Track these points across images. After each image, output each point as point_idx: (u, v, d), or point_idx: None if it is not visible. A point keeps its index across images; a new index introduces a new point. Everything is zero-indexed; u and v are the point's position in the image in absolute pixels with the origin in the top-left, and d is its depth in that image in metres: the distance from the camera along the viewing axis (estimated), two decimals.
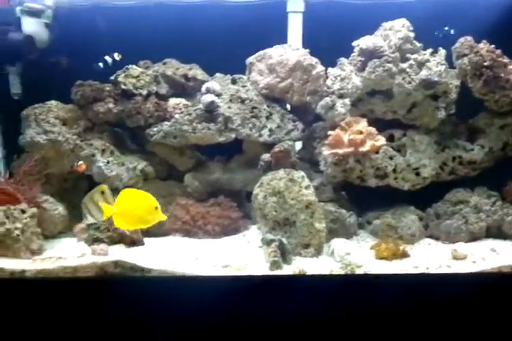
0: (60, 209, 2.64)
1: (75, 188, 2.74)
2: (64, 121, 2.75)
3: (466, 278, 2.21)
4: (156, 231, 2.71)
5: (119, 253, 2.41)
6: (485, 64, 2.63)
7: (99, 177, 2.70)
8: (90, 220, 2.24)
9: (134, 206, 2.05)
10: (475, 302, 2.14)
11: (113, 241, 2.51)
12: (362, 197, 2.85)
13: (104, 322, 2.09)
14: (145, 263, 2.21)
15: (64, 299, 2.10)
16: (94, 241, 2.48)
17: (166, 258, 2.33)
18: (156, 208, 2.05)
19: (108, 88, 2.79)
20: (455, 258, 2.35)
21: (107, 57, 2.84)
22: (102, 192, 2.21)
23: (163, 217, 2.09)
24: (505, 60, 2.71)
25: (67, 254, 2.34)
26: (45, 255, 2.38)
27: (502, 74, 2.65)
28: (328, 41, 3.14)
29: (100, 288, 2.14)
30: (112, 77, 2.82)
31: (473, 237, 2.62)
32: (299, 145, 3.00)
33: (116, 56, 2.84)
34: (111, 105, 2.75)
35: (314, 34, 3.11)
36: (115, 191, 2.73)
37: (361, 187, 2.73)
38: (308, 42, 3.09)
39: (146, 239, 2.60)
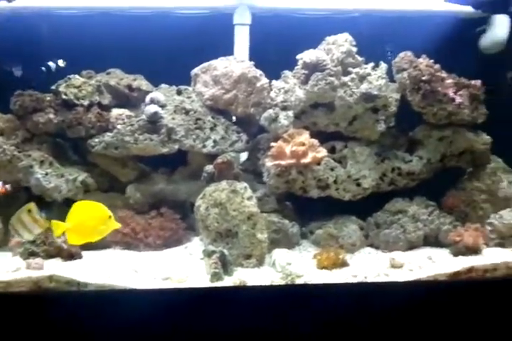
0: None
1: (13, 201, 2.67)
2: (1, 132, 2.69)
3: (402, 287, 2.25)
4: (96, 244, 2.67)
5: (55, 267, 2.35)
6: (423, 78, 2.71)
7: (37, 189, 2.64)
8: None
9: (87, 218, 2.02)
10: (411, 310, 2.18)
11: (49, 255, 2.46)
12: (305, 208, 2.89)
13: (38, 339, 2.03)
14: (82, 277, 2.17)
15: None
16: (29, 255, 2.42)
17: (105, 271, 2.29)
18: (110, 217, 2.04)
19: (49, 98, 2.74)
20: (393, 266, 2.40)
21: (50, 64, 2.80)
22: (29, 211, 2.16)
23: (117, 225, 2.07)
24: (443, 74, 2.80)
25: (1, 269, 2.27)
26: None
27: (439, 89, 2.73)
28: (274, 54, 3.19)
29: (34, 304, 2.09)
30: (53, 87, 2.78)
31: (411, 246, 2.68)
32: (245, 156, 3.02)
33: (60, 63, 2.79)
34: (51, 115, 2.71)
35: (260, 47, 3.15)
36: (54, 203, 2.72)
37: (305, 197, 2.77)
38: (254, 54, 3.12)
39: (84, 253, 2.54)
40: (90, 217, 2.04)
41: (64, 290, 2.13)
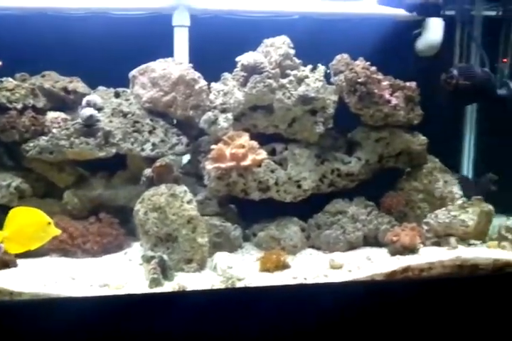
0: None
1: None
2: None
3: (340, 287, 2.28)
4: (32, 251, 2.60)
5: None
6: (359, 80, 2.75)
7: None
8: None
9: (25, 225, 1.95)
10: (350, 311, 2.21)
11: None
12: (249, 210, 2.88)
13: None
14: (15, 286, 2.10)
15: None
16: None
17: (40, 280, 2.23)
18: (49, 223, 1.98)
19: None
20: (332, 267, 2.43)
21: None
22: None
23: (57, 232, 2.01)
24: (380, 76, 2.85)
25: None
26: None
27: (376, 90, 2.78)
28: (214, 56, 3.17)
29: None
30: None
31: (351, 246, 2.72)
32: (187, 159, 3.00)
33: None
34: None
35: (200, 48, 3.13)
36: None
37: (247, 200, 2.77)
38: (194, 56, 3.10)
39: (20, 261, 2.46)
40: (28, 223, 1.97)
41: None
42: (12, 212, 1.98)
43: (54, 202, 2.76)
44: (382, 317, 2.21)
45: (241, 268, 2.41)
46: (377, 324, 2.22)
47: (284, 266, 2.46)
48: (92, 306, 2.09)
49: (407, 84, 2.91)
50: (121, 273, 2.35)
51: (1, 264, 2.39)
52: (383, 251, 2.64)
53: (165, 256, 2.32)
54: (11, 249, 1.99)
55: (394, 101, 2.81)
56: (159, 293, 2.18)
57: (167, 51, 3.09)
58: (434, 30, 3.22)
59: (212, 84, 2.85)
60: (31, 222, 1.98)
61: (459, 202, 2.71)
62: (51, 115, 2.77)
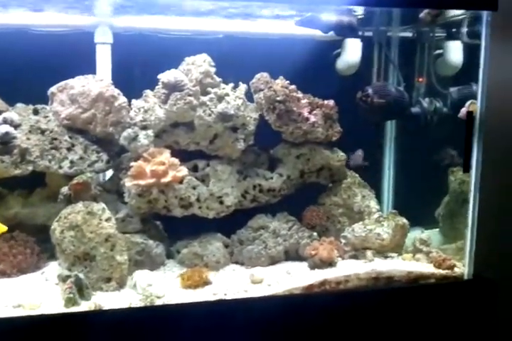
0: None
1: None
2: None
3: (259, 302, 2.30)
4: None
5: None
6: (277, 99, 2.81)
7: None
8: None
9: None
10: (269, 325, 2.24)
11: None
12: (173, 227, 2.88)
13: None
14: None
15: None
16: None
17: None
18: None
19: None
20: (253, 282, 2.45)
21: None
22: None
23: (3, 228, 1.96)
24: (299, 94, 2.93)
25: None
26: None
27: (294, 108, 2.85)
28: (137, 73, 3.17)
29: None
30: None
31: (273, 261, 2.76)
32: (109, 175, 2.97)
33: None
34: None
35: (123, 66, 3.12)
36: None
37: (172, 216, 2.76)
38: (117, 73, 3.08)
39: None
40: None
41: None
42: None
43: None
44: (300, 330, 2.25)
45: (161, 285, 2.40)
46: (296, 337, 2.25)
47: (206, 283, 2.47)
48: (6, 327, 2.04)
49: (325, 102, 2.99)
50: (37, 293, 2.30)
51: None
52: (303, 265, 2.68)
53: (81, 275, 2.29)
54: None
55: (312, 118, 2.88)
56: (73, 313, 2.14)
57: (90, 68, 3.06)
58: (352, 51, 3.33)
59: (133, 101, 2.84)
60: None
61: (375, 216, 2.80)
62: None
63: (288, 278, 2.48)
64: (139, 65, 3.17)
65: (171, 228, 2.91)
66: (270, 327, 2.22)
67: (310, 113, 2.91)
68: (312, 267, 2.60)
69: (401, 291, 2.45)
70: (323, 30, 3.11)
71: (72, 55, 3.05)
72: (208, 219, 2.80)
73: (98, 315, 2.17)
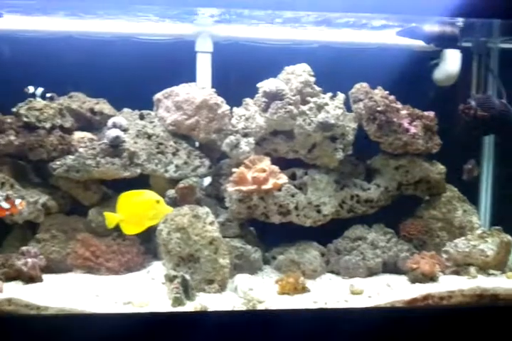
0: None
1: None
2: None
3: (361, 313, 2.29)
4: (57, 268, 2.64)
5: (14, 290, 2.31)
6: (378, 109, 2.81)
7: None
8: None
9: (136, 206, 2.03)
10: (370, 336, 2.22)
11: (9, 278, 2.41)
12: (268, 233, 2.92)
13: None
14: (42, 300, 2.13)
15: None
16: None
17: (65, 295, 2.26)
18: (158, 202, 2.04)
19: (9, 120, 2.71)
20: (352, 293, 2.44)
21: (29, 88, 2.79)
22: None
23: (169, 209, 2.07)
24: (398, 105, 2.91)
25: None
26: None
27: (395, 119, 2.83)
28: (236, 81, 3.25)
29: None
30: (14, 109, 2.75)
31: (371, 272, 2.74)
32: (208, 181, 3.04)
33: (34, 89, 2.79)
34: (12, 137, 2.67)
35: (222, 74, 3.20)
36: (15, 225, 2.67)
37: (268, 223, 2.80)
38: (216, 81, 3.17)
39: (45, 276, 2.51)
40: (139, 204, 2.04)
41: (23, 313, 2.08)
42: (122, 196, 2.08)
43: (79, 220, 2.80)
44: None
45: (261, 290, 2.42)
46: None
47: (304, 290, 2.48)
48: (116, 323, 2.12)
49: (426, 113, 2.96)
50: (144, 291, 2.38)
51: (27, 279, 2.42)
52: (402, 279, 2.65)
53: (187, 276, 2.35)
54: (129, 230, 2.09)
55: (413, 130, 2.86)
56: (182, 312, 2.20)
57: (189, 76, 3.16)
58: (451, 61, 3.29)
59: (234, 108, 2.91)
60: (141, 203, 2.05)
61: (479, 231, 2.73)
62: (78, 135, 2.83)
63: (389, 291, 2.46)
64: (237, 74, 3.25)
65: (264, 234, 2.95)
66: (374, 339, 2.20)
67: (410, 124, 2.88)
68: (413, 281, 2.57)
69: (508, 310, 2.37)
70: (425, 40, 3.08)
71: (172, 63, 3.17)
72: (302, 227, 2.82)
73: (204, 316, 2.22)
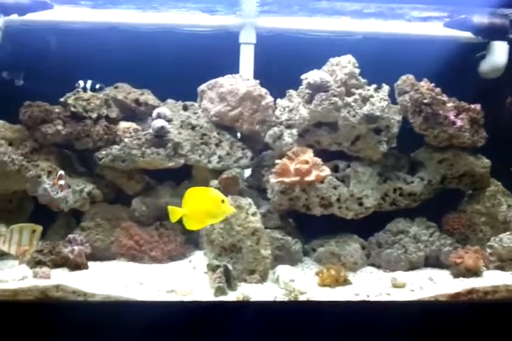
0: (3, 230, 2.57)
1: (20, 209, 2.69)
2: (10, 141, 2.71)
3: (404, 306, 2.28)
4: (101, 255, 2.69)
5: (61, 276, 2.37)
6: (424, 101, 2.77)
7: (44, 199, 2.65)
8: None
9: (201, 203, 2.05)
10: (412, 330, 2.21)
11: (56, 265, 2.48)
12: (308, 225, 2.92)
13: None
14: (88, 287, 2.18)
15: (2, 323, 2.05)
16: (36, 264, 2.43)
17: (110, 282, 2.31)
18: (223, 201, 2.06)
19: (57, 110, 2.77)
20: (394, 286, 2.42)
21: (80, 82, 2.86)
22: (34, 231, 2.30)
23: (231, 210, 2.09)
24: (444, 97, 2.86)
25: (8, 277, 2.27)
26: None
27: (440, 112, 2.79)
28: (278, 73, 3.24)
29: (41, 312, 2.10)
30: (62, 99, 2.81)
31: (413, 266, 2.72)
32: (249, 172, 3.05)
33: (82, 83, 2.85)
34: (59, 127, 2.73)
35: (265, 65, 3.21)
36: (60, 213, 2.73)
37: (307, 215, 2.80)
38: (259, 73, 3.17)
39: (90, 263, 2.57)
40: (204, 202, 2.05)
41: (70, 299, 2.14)
42: (189, 192, 2.09)
43: (122, 209, 2.86)
44: (446, 338, 2.20)
45: (302, 281, 2.43)
46: None
47: (345, 282, 2.47)
48: (160, 311, 2.15)
49: (472, 106, 2.91)
50: (187, 280, 2.41)
51: (74, 266, 2.48)
52: (445, 273, 2.62)
53: (230, 266, 2.37)
54: (190, 225, 2.09)
55: (459, 122, 2.81)
56: (225, 302, 2.22)
57: (232, 67, 3.17)
58: (499, 53, 3.22)
59: (278, 100, 2.91)
60: (206, 200, 2.06)
61: None
62: (123, 125, 2.87)
63: (431, 285, 2.43)
64: (280, 65, 3.24)
65: (303, 226, 2.95)
66: (416, 332, 2.19)
67: (456, 117, 2.83)
68: (456, 275, 2.53)
69: None
70: (473, 32, 3.02)
71: (215, 54, 3.19)
72: (341, 220, 2.81)
73: (247, 306, 2.24)
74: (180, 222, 2.79)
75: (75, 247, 2.52)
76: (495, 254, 2.62)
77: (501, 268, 2.61)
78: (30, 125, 2.75)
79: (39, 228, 2.35)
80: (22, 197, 2.77)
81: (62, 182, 2.44)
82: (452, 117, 2.82)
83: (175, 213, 2.08)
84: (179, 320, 2.15)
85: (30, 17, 2.88)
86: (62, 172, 2.48)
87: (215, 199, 2.07)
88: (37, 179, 2.64)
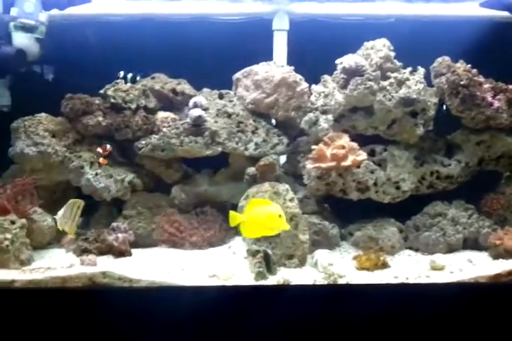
0: (48, 220, 2.67)
1: (64, 200, 2.75)
2: (53, 134, 2.80)
3: (444, 288, 2.29)
4: (143, 242, 2.77)
5: (107, 263, 2.45)
6: (461, 83, 2.74)
7: (88, 189, 2.74)
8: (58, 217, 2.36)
9: (260, 214, 2.13)
10: (454, 312, 2.22)
11: (101, 252, 2.56)
12: (344, 210, 2.94)
13: (93, 332, 2.13)
14: (133, 273, 2.26)
15: (53, 309, 2.14)
16: (82, 251, 2.52)
17: (154, 269, 2.38)
18: (280, 216, 2.12)
19: (97, 101, 2.84)
20: (433, 268, 2.43)
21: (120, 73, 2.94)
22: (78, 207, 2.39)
23: (286, 226, 2.15)
24: (481, 79, 2.83)
25: (56, 265, 2.37)
26: (34, 265, 2.42)
27: (478, 93, 2.76)
28: (312, 59, 3.25)
29: (89, 298, 2.19)
30: (102, 91, 2.88)
31: (451, 249, 2.72)
32: (284, 158, 3.08)
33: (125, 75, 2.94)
34: (100, 118, 2.81)
35: (298, 51, 3.22)
36: (102, 202, 2.82)
37: (343, 199, 2.82)
38: (292, 59, 3.19)
39: (133, 250, 2.65)
40: (263, 213, 2.13)
41: (117, 286, 2.22)
42: (251, 201, 2.21)
43: (162, 197, 2.92)
44: (488, 318, 2.21)
45: (340, 265, 2.46)
46: (483, 326, 2.22)
47: (384, 266, 2.49)
48: (204, 295, 2.22)
49: (510, 86, 2.86)
50: (228, 265, 2.47)
51: (118, 253, 2.57)
52: (484, 255, 2.62)
53: (269, 251, 2.41)
54: (246, 233, 2.19)
55: (496, 103, 2.78)
56: (267, 286, 2.27)
57: (266, 54, 3.19)
58: None
59: (313, 86, 2.93)
60: (265, 213, 2.14)
61: None
62: (161, 115, 2.93)
63: (471, 267, 2.44)
64: (313, 51, 3.24)
65: (339, 210, 2.97)
66: (456, 314, 2.20)
67: (493, 98, 2.80)
68: (495, 257, 2.53)
69: None
70: (510, 11, 2.97)
71: (248, 42, 3.22)
72: (377, 203, 2.82)
73: (288, 290, 2.28)
74: (219, 209, 2.89)
75: (119, 235, 2.60)
76: None
77: None
78: (72, 117, 2.83)
79: (81, 203, 2.43)
80: (65, 188, 2.87)
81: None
82: (489, 98, 2.79)
83: (234, 218, 2.16)
84: (222, 304, 2.20)
85: (68, 11, 2.94)
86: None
87: (272, 213, 2.12)
88: (80, 170, 2.73)
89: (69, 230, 2.39)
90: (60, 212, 2.36)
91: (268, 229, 2.15)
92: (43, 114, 2.85)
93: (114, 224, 2.68)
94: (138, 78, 2.93)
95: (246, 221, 2.14)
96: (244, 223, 2.14)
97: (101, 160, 2.67)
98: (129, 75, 2.92)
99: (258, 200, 2.20)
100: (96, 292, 2.21)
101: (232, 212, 2.19)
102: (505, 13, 3.07)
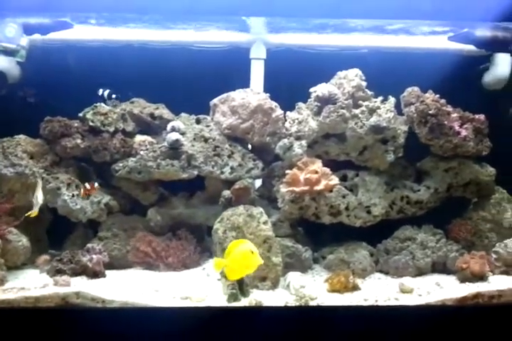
0: (23, 240, 2.68)
1: (39, 221, 2.79)
2: (31, 155, 2.83)
3: (412, 310, 2.34)
4: (118, 264, 2.79)
5: (81, 284, 2.46)
6: (430, 112, 2.85)
7: (64, 210, 2.77)
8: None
9: (236, 254, 2.17)
10: (421, 333, 2.27)
11: (75, 273, 2.56)
12: (317, 233, 3.01)
13: None
14: (106, 294, 2.28)
15: (25, 329, 2.14)
16: (56, 272, 2.53)
17: (127, 290, 2.40)
18: (252, 253, 2.16)
19: (76, 124, 2.89)
20: (402, 291, 2.50)
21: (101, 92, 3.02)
22: None
23: (260, 261, 2.17)
24: (449, 108, 2.95)
25: (30, 285, 2.38)
26: (8, 286, 2.41)
27: (446, 122, 2.88)
28: (287, 86, 3.34)
29: (61, 318, 2.19)
30: (80, 114, 2.93)
31: (420, 272, 2.79)
32: (258, 182, 3.15)
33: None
34: (78, 141, 2.85)
35: (275, 79, 3.31)
36: (78, 224, 2.85)
37: (316, 223, 2.88)
38: (269, 86, 3.28)
39: (107, 272, 2.66)
40: (238, 253, 2.18)
41: (90, 306, 2.23)
42: (231, 244, 2.24)
43: (138, 219, 2.96)
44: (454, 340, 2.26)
45: (312, 288, 2.51)
46: None
47: (354, 288, 2.54)
48: (176, 317, 2.24)
49: (476, 116, 2.98)
50: (201, 287, 2.50)
51: (92, 274, 2.57)
52: (452, 278, 2.69)
53: None
54: (230, 276, 2.24)
55: (464, 132, 2.89)
56: (239, 307, 2.30)
57: (244, 82, 3.27)
58: (502, 65, 3.30)
59: (288, 113, 3.01)
60: (239, 252, 2.18)
61: None
62: (139, 138, 2.99)
63: (439, 290, 2.50)
64: (289, 79, 3.34)
65: (312, 234, 3.03)
66: (423, 336, 2.25)
67: (461, 127, 2.92)
68: (462, 280, 2.60)
69: None
70: (477, 45, 3.11)
71: (226, 70, 3.30)
72: (350, 228, 2.89)
73: (259, 311, 2.31)
74: (192, 232, 2.93)
75: (94, 256, 2.61)
76: (500, 259, 2.69)
77: (506, 273, 2.67)
78: (51, 139, 2.87)
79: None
80: (41, 209, 2.87)
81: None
82: (457, 127, 2.90)
83: (218, 263, 2.23)
84: (194, 326, 2.22)
85: (51, 36, 3.00)
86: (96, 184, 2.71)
87: (245, 251, 2.17)
88: (56, 191, 2.75)
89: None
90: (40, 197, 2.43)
91: (245, 267, 2.19)
92: (22, 136, 2.89)
93: (89, 246, 2.70)
94: (114, 96, 2.98)
95: (228, 264, 2.19)
96: (227, 266, 2.20)
97: (82, 193, 2.70)
98: (106, 92, 2.97)
99: (236, 242, 2.24)
100: (68, 312, 2.23)
101: (216, 258, 2.29)
102: (472, 47, 3.21)
